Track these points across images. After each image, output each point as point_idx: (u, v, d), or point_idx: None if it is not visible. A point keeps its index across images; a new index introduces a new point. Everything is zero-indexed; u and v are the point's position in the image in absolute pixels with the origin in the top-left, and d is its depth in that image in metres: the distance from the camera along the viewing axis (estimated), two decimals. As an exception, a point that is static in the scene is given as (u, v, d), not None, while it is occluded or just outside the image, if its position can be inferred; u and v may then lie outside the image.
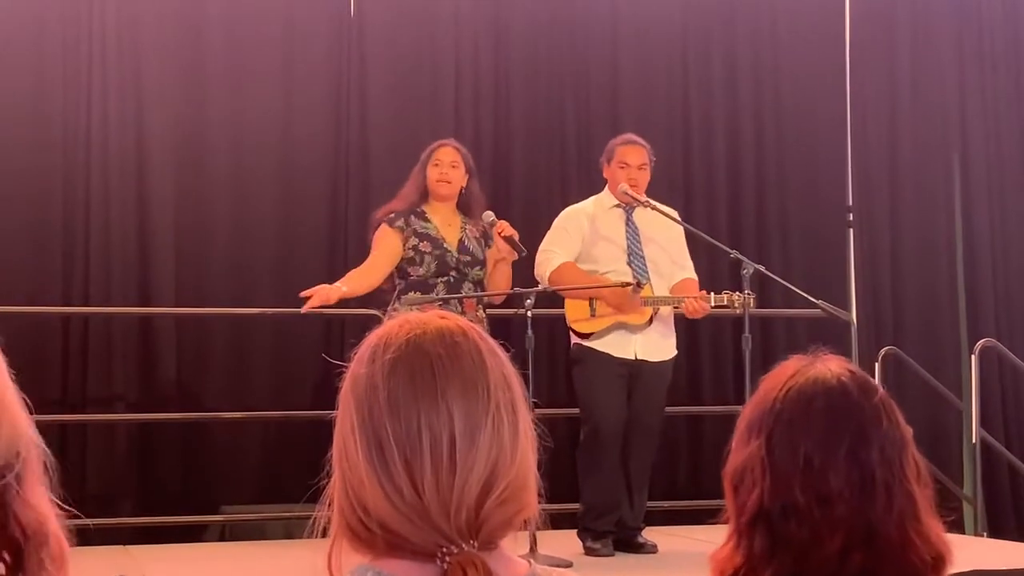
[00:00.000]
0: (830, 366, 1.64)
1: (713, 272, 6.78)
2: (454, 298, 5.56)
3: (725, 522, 1.64)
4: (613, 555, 5.70)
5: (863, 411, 1.60)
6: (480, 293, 5.69)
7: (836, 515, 1.54)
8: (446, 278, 5.65)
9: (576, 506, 5.88)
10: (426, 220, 5.73)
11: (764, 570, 1.56)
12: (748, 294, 5.60)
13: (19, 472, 1.26)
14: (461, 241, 5.71)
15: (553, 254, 5.85)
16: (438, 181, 5.71)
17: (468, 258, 5.69)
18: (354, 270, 5.80)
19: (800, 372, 1.64)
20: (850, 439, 1.57)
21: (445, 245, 5.66)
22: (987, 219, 8.49)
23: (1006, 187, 8.57)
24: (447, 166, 5.73)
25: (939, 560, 1.57)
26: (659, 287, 5.84)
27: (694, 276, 6.01)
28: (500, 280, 5.78)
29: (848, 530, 1.54)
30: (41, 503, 1.28)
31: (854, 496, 1.55)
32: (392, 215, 5.72)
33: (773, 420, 1.60)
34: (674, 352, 5.97)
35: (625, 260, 5.82)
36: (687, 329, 6.63)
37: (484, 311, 5.75)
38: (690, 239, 6.08)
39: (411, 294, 5.61)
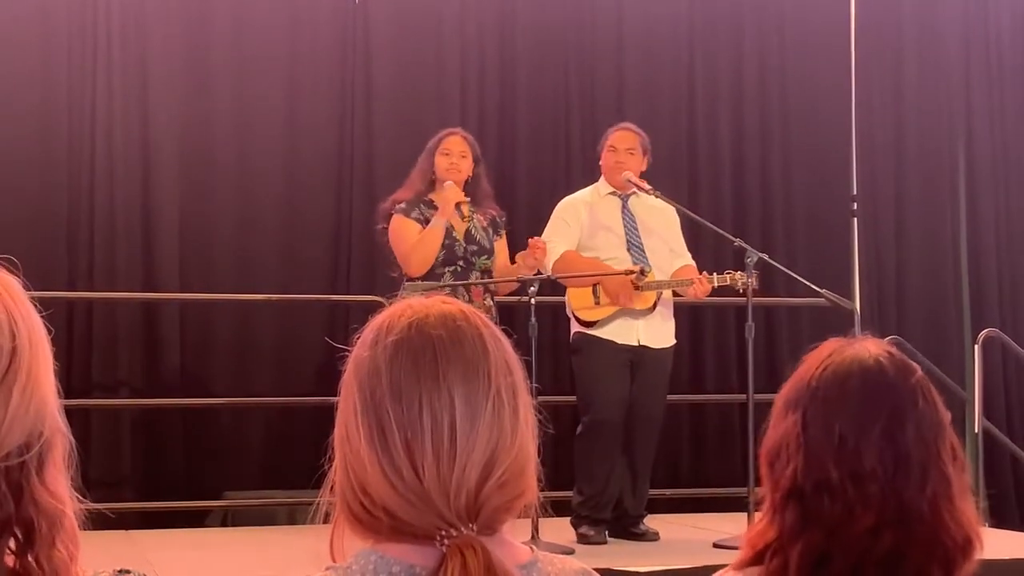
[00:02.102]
0: (868, 347, 1.66)
1: (717, 261, 6.76)
2: (460, 284, 5.53)
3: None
4: (607, 542, 5.66)
5: (899, 391, 1.61)
6: (487, 280, 5.68)
7: (869, 492, 1.55)
8: (453, 267, 5.61)
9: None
10: (434, 209, 5.66)
11: (793, 545, 1.57)
12: (751, 273, 5.55)
13: (40, 453, 1.26)
14: (468, 231, 5.68)
15: (553, 244, 5.81)
16: (447, 170, 5.63)
17: (475, 247, 5.66)
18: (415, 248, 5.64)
19: (838, 351, 1.65)
20: (885, 418, 1.58)
21: (454, 234, 5.62)
22: (991, 208, 8.49)
23: (1011, 176, 8.56)
24: (457, 156, 5.65)
25: (969, 544, 1.58)
26: (657, 278, 5.81)
27: (691, 262, 5.97)
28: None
29: (880, 508, 1.55)
30: (59, 488, 1.28)
31: (887, 474, 1.56)
32: (404, 205, 5.65)
33: (809, 398, 1.62)
34: (674, 340, 5.93)
35: (625, 247, 5.79)
36: (690, 318, 6.63)
37: (492, 299, 5.72)
38: (694, 228, 6.06)
39: (418, 282, 5.57)
